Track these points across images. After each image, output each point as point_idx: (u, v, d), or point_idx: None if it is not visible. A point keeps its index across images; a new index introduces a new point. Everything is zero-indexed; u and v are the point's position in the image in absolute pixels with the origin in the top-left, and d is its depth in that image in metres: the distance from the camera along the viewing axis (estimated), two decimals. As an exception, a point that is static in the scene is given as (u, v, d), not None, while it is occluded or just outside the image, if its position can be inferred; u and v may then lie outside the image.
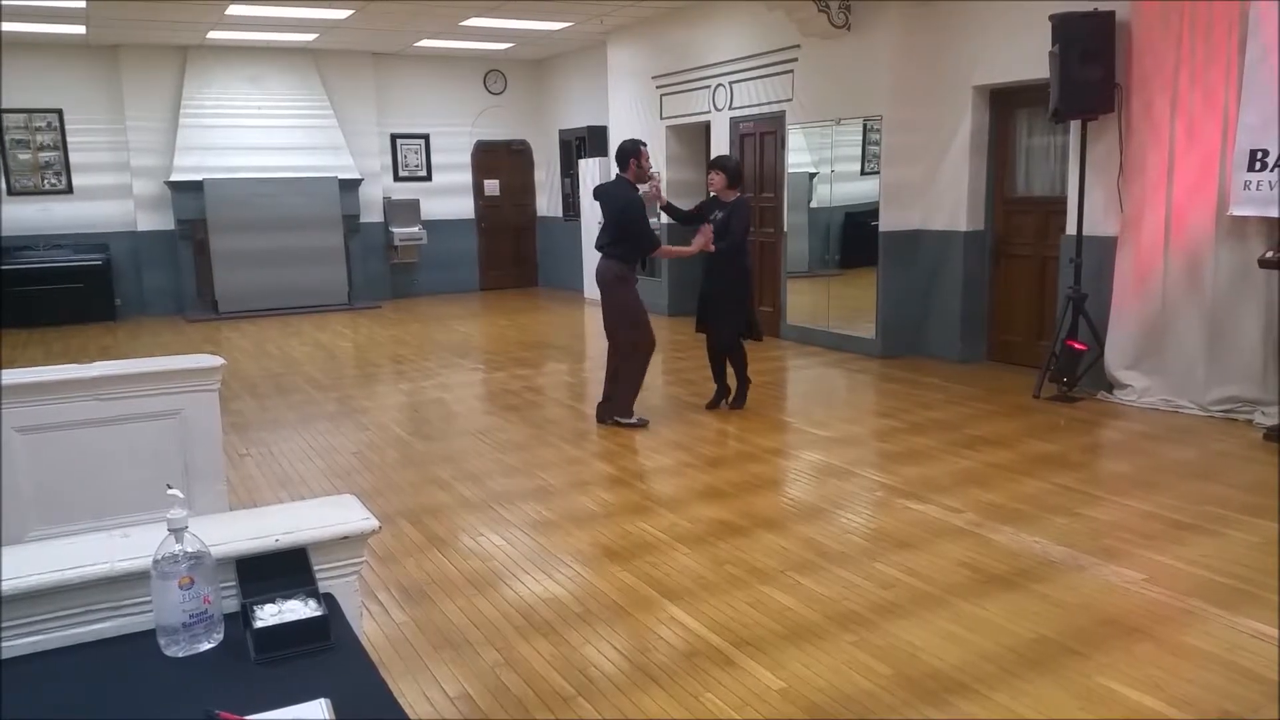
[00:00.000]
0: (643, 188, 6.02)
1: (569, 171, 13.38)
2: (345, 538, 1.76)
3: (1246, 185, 5.59)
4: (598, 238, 6.20)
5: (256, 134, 12.13)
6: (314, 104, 12.55)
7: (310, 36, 11.48)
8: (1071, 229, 6.60)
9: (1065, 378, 6.46)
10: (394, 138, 13.44)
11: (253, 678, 1.48)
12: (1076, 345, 6.40)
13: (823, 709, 2.79)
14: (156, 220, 11.99)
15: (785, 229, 9.19)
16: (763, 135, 9.48)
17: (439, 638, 3.32)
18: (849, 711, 2.78)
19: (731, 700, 2.84)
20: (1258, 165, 5.52)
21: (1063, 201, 6.88)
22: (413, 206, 13.31)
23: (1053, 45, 6.14)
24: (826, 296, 8.96)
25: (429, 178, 13.73)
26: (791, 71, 8.87)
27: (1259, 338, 5.74)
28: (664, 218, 7.00)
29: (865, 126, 8.19)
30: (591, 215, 12.19)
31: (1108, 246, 6.46)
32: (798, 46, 8.70)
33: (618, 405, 6.11)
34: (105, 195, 11.87)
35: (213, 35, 11.10)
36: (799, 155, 8.98)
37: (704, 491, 4.86)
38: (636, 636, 3.30)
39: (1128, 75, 6.25)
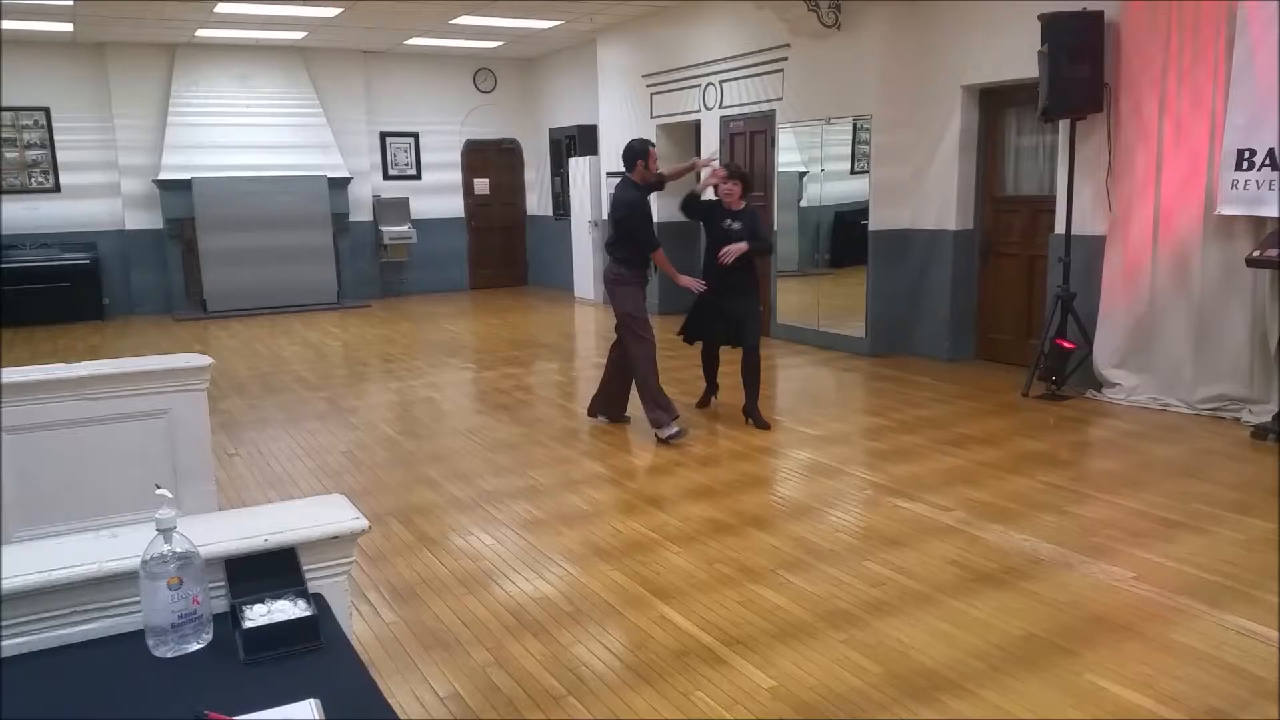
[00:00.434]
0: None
1: (559, 170, 13.37)
2: (334, 537, 1.75)
3: (1234, 184, 5.62)
4: (605, 238, 6.32)
5: (245, 132, 12.07)
6: (303, 102, 12.50)
7: (299, 34, 11.43)
8: (1060, 228, 6.63)
9: (1054, 376, 6.48)
10: (383, 136, 13.40)
11: (242, 678, 1.48)
12: (1065, 344, 6.43)
13: (813, 707, 2.80)
14: (144, 219, 11.94)
15: (775, 228, 9.20)
16: (753, 134, 9.48)
17: (429, 637, 3.31)
18: (839, 710, 2.78)
19: (722, 699, 2.85)
20: (1245, 165, 5.56)
21: (1051, 200, 6.91)
22: (402, 205, 13.28)
23: (1042, 45, 6.16)
24: (816, 295, 8.98)
25: (418, 176, 13.70)
26: (781, 71, 8.88)
27: (1246, 336, 5.77)
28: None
29: (855, 126, 8.21)
30: (581, 214, 12.21)
31: (1096, 245, 6.49)
32: (787, 46, 8.71)
33: (649, 418, 5.78)
34: (93, 194, 11.81)
35: (201, 33, 11.05)
36: (789, 154, 9.00)
37: (694, 490, 4.86)
38: (627, 635, 3.30)
39: (1116, 75, 6.28)
